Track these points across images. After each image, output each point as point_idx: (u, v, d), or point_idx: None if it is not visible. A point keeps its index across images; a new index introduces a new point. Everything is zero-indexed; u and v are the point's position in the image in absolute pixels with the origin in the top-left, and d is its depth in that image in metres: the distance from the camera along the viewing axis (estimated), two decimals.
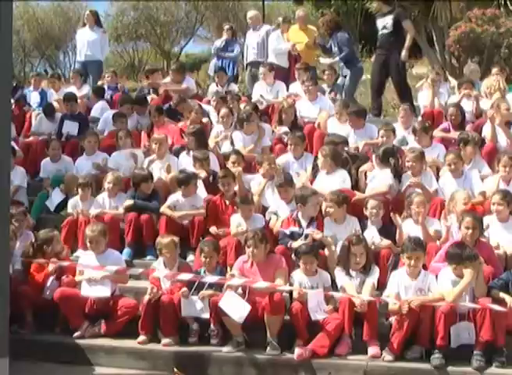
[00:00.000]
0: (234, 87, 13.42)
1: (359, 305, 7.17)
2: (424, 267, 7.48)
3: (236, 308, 7.32)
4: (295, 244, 7.98)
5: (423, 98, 12.13)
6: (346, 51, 13.38)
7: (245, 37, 15.36)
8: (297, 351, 7.15)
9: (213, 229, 8.81)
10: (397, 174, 9.09)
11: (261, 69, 13.00)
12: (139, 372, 7.48)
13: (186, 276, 7.72)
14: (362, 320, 7.25)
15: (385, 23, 13.07)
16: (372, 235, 8.11)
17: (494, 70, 12.48)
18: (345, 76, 13.39)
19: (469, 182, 8.96)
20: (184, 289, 7.65)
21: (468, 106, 11.24)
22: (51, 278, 8.12)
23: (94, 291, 7.94)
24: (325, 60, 14.08)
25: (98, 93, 13.28)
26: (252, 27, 14.60)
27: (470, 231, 7.56)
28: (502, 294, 7.09)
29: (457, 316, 7.05)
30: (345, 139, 10.25)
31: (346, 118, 10.80)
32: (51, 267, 8.12)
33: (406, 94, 13.14)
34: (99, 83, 14.19)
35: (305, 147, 10.19)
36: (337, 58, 13.51)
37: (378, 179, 9.08)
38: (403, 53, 12.74)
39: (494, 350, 6.93)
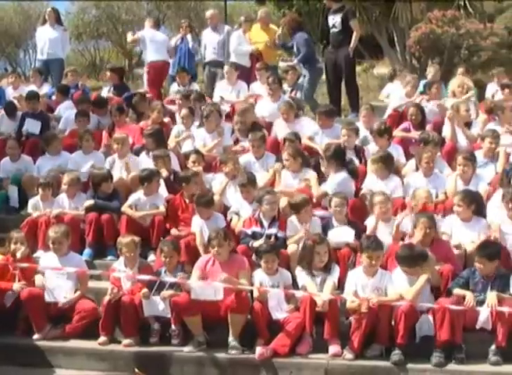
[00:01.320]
0: (195, 87, 13.37)
1: (321, 305, 7.20)
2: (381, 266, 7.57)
3: (210, 293, 7.35)
4: (256, 244, 7.99)
5: (395, 97, 12.15)
6: (303, 53, 13.41)
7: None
8: (258, 350, 7.16)
9: (174, 231, 8.78)
10: (354, 174, 9.13)
11: (226, 68, 12.97)
12: (99, 373, 7.45)
13: (146, 277, 7.70)
14: (323, 319, 7.28)
15: (334, 22, 13.25)
16: (341, 234, 8.17)
17: (460, 70, 12.64)
18: (304, 76, 13.43)
19: (438, 181, 9.06)
20: (145, 290, 7.62)
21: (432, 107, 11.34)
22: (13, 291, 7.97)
23: (59, 296, 7.87)
24: (283, 63, 14.09)
25: (63, 91, 13.11)
26: (211, 27, 14.52)
27: (427, 231, 7.66)
28: (461, 291, 7.20)
29: (418, 314, 7.14)
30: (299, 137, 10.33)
31: (293, 118, 10.89)
32: (16, 286, 7.94)
33: (353, 93, 13.30)
34: (63, 81, 14.04)
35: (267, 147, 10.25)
36: (295, 61, 13.54)
37: (332, 180, 9.09)
38: (349, 51, 12.91)
39: (453, 347, 7.01)
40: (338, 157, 9.23)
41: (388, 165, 9.14)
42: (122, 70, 13.87)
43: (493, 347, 6.98)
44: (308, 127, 10.86)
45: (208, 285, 7.42)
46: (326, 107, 11.38)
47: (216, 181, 9.52)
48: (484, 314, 7.06)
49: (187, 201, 8.98)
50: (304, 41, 13.54)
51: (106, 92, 13.38)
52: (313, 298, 7.27)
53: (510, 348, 6.93)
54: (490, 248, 7.35)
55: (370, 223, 8.29)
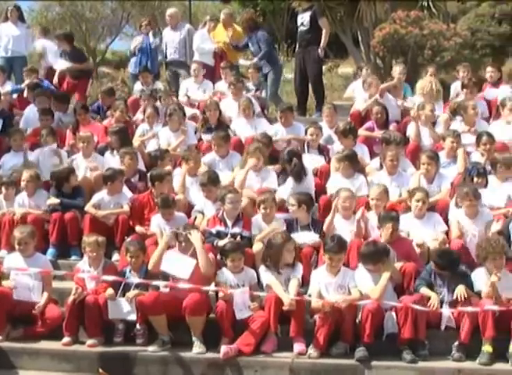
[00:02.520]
0: (160, 86, 13.32)
1: (288, 304, 7.19)
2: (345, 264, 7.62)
3: (180, 267, 7.38)
4: (221, 243, 7.97)
5: (359, 97, 12.20)
6: (264, 50, 13.41)
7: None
8: (223, 349, 7.15)
9: (139, 228, 8.73)
10: (298, 177, 9.11)
11: (194, 66, 12.96)
12: (63, 374, 7.38)
13: (111, 277, 7.65)
14: (288, 317, 7.30)
15: (302, 20, 13.32)
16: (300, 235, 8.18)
17: (431, 70, 12.74)
18: (265, 75, 13.43)
19: (402, 179, 9.12)
20: (111, 291, 7.57)
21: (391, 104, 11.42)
22: None
23: (27, 296, 7.79)
24: (244, 62, 14.06)
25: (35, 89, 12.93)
26: (171, 26, 14.43)
27: (395, 233, 7.78)
28: (427, 292, 7.29)
29: (384, 313, 7.21)
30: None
31: (251, 116, 10.98)
32: None
33: (319, 93, 13.37)
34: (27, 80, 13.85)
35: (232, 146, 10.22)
36: (255, 59, 13.51)
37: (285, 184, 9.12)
38: (319, 51, 12.99)
39: (417, 344, 7.10)
40: (290, 160, 9.23)
41: (353, 163, 9.19)
42: (71, 36, 13.95)
43: (456, 343, 7.07)
44: (266, 126, 10.90)
45: (181, 258, 7.44)
46: (287, 104, 11.53)
47: (175, 177, 9.46)
48: (446, 313, 7.16)
49: (156, 200, 8.87)
50: (266, 39, 13.55)
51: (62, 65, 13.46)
52: (278, 297, 7.27)
53: (472, 345, 7.03)
54: (446, 259, 7.40)
55: (327, 219, 8.30)
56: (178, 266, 7.43)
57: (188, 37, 14.05)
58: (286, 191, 8.96)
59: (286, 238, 7.66)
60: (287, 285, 7.46)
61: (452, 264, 7.38)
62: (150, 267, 7.62)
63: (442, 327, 7.21)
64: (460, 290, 7.15)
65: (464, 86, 11.56)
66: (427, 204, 8.27)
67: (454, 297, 7.17)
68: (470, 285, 7.31)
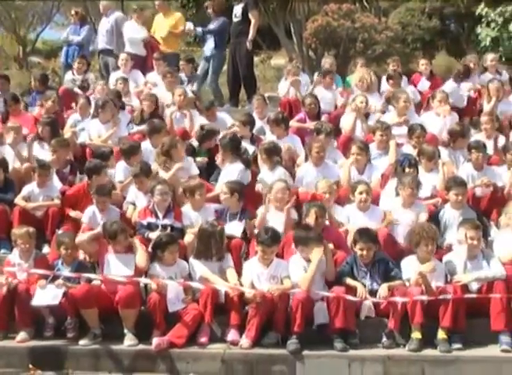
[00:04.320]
0: (91, 76, 13.15)
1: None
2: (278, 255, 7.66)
3: (48, 297, 7.35)
4: (152, 235, 7.93)
5: (282, 89, 12.35)
6: (215, 27, 13.58)
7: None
8: (155, 341, 7.13)
9: (73, 213, 8.62)
10: (248, 164, 9.20)
11: (122, 56, 12.83)
12: None
13: (41, 271, 7.55)
14: (222, 309, 7.34)
15: (236, 12, 13.40)
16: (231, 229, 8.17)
17: (361, 62, 12.90)
18: (207, 59, 13.45)
19: (329, 171, 9.18)
20: (43, 283, 7.46)
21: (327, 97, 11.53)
22: None
23: None
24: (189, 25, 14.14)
25: None
26: (104, 15, 14.31)
27: (319, 220, 7.82)
28: (352, 282, 7.38)
29: (313, 302, 7.27)
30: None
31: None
32: None
33: (250, 84, 13.45)
34: None
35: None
36: (210, 26, 13.68)
37: (229, 172, 9.12)
38: (247, 43, 13.05)
39: (347, 333, 7.19)
40: (233, 146, 9.29)
41: (271, 156, 9.17)
42: None
43: (386, 331, 7.20)
44: (199, 119, 10.88)
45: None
46: (210, 101, 11.69)
47: (118, 170, 9.34)
48: (367, 303, 7.29)
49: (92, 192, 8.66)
50: (223, 23, 13.65)
51: None
52: (214, 290, 7.29)
53: (402, 332, 7.16)
54: (371, 233, 7.56)
55: (260, 211, 8.33)
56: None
57: (116, 25, 13.90)
58: (232, 176, 8.93)
59: (216, 228, 7.68)
60: (219, 275, 7.51)
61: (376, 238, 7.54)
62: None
63: (362, 317, 7.32)
64: (382, 292, 7.26)
65: (389, 77, 11.83)
66: (370, 195, 8.34)
67: (377, 298, 7.27)
68: (391, 271, 7.43)
